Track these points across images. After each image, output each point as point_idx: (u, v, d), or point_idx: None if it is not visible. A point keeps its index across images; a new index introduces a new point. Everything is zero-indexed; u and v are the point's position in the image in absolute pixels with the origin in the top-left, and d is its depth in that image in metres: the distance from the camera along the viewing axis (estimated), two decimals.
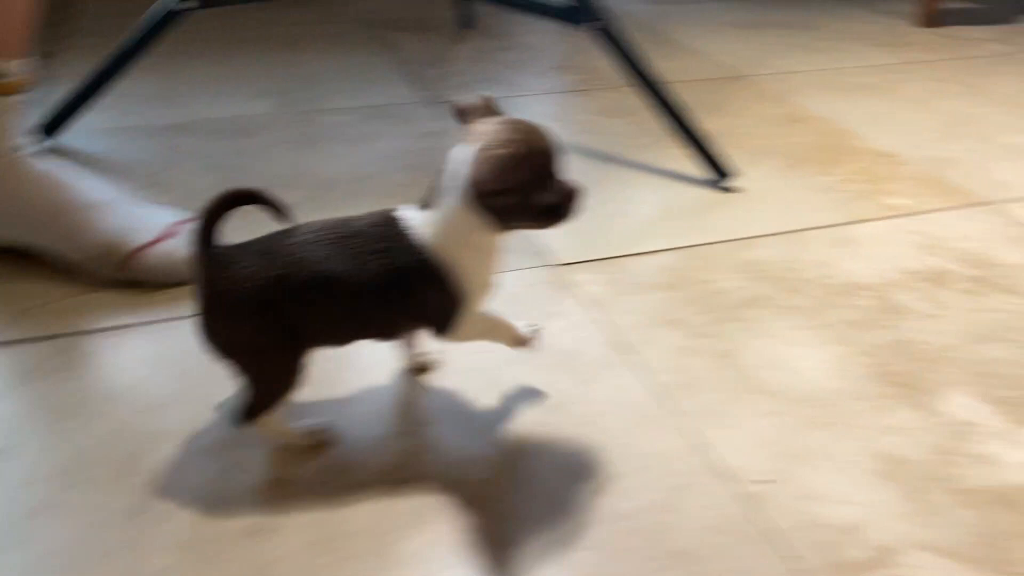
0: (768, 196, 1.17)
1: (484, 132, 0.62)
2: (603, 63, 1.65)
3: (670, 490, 0.68)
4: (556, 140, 0.64)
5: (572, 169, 0.69)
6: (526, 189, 0.62)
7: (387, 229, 0.65)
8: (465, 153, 0.62)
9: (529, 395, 0.78)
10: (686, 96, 1.54)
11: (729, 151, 1.29)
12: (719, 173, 1.19)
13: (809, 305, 0.93)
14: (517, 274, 0.97)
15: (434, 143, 1.34)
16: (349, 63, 1.70)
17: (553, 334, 0.87)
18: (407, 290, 0.64)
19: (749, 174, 1.22)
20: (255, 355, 0.65)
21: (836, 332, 0.88)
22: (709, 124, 1.41)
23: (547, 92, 1.58)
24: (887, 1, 2.29)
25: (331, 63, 1.70)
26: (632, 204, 1.15)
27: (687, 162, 1.23)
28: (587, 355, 0.84)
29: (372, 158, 1.27)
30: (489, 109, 0.66)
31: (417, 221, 0.65)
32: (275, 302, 0.62)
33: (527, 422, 0.75)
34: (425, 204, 0.66)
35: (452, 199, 0.63)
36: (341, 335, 0.68)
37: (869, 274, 0.99)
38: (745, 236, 1.06)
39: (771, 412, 0.77)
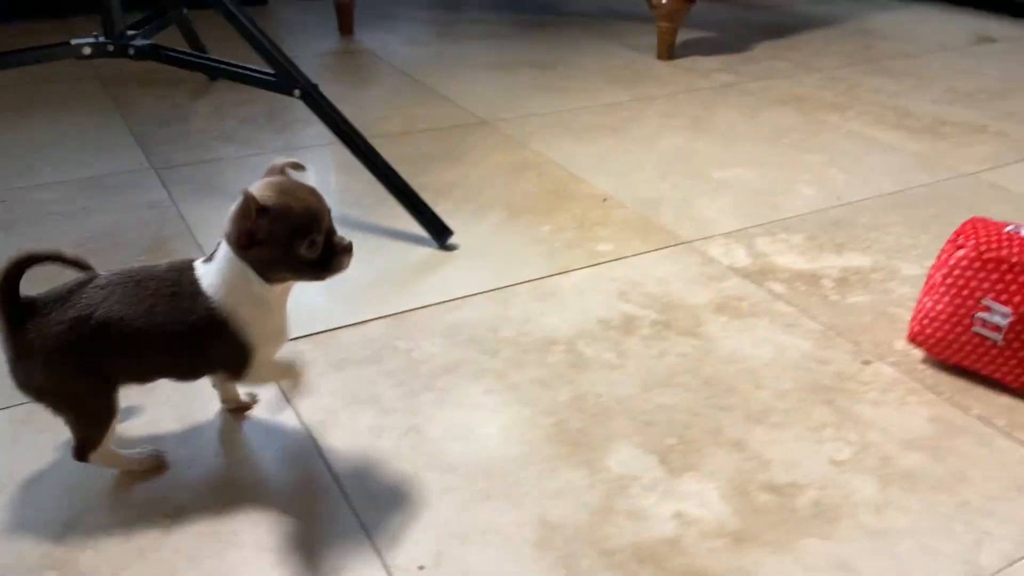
0: (484, 252, 1.20)
1: (252, 190, 0.67)
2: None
3: None
4: (320, 200, 0.70)
5: None
6: (280, 244, 0.67)
7: (179, 278, 0.70)
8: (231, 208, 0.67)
9: (205, 498, 0.76)
10: (427, 146, 1.57)
11: (458, 204, 1.32)
12: (437, 232, 1.21)
13: (501, 367, 0.95)
14: None
15: (156, 215, 1.28)
16: (74, 128, 1.60)
17: (245, 426, 0.85)
18: (193, 338, 0.70)
19: (470, 230, 1.25)
20: (68, 397, 0.70)
21: (522, 393, 0.91)
22: (444, 176, 1.44)
23: (286, 149, 1.55)
24: (637, 34, 2.43)
25: (53, 129, 1.59)
26: (351, 269, 1.15)
27: (412, 221, 1.24)
28: (275, 446, 0.83)
29: (81, 238, 1.20)
30: (281, 170, 0.72)
31: (203, 272, 0.71)
32: (75, 344, 0.67)
33: (196, 529, 0.73)
34: (209, 257, 0.71)
35: (224, 252, 0.69)
36: (139, 374, 0.74)
37: (564, 327, 1.03)
38: (454, 297, 1.08)
39: (447, 489, 0.78)
